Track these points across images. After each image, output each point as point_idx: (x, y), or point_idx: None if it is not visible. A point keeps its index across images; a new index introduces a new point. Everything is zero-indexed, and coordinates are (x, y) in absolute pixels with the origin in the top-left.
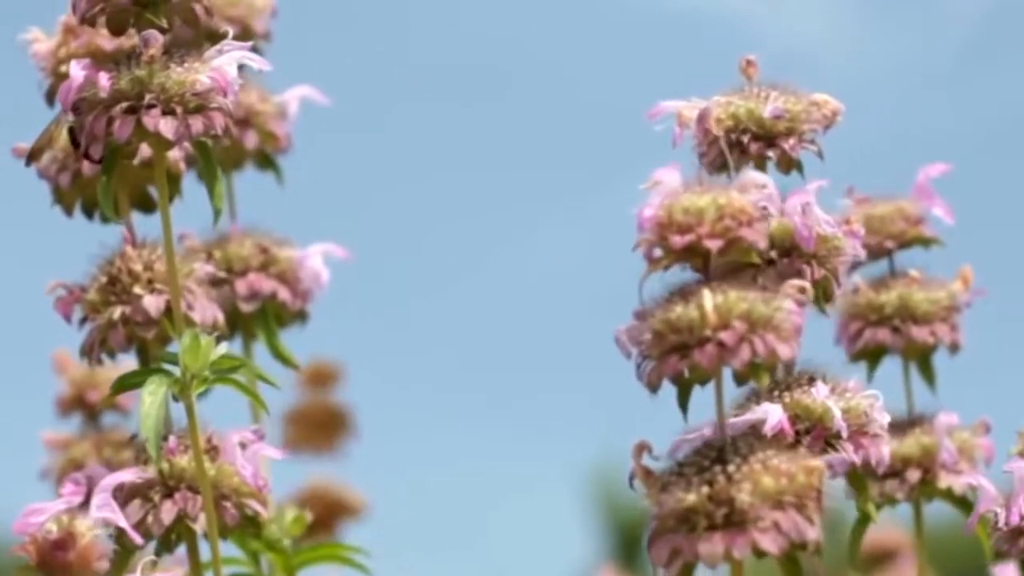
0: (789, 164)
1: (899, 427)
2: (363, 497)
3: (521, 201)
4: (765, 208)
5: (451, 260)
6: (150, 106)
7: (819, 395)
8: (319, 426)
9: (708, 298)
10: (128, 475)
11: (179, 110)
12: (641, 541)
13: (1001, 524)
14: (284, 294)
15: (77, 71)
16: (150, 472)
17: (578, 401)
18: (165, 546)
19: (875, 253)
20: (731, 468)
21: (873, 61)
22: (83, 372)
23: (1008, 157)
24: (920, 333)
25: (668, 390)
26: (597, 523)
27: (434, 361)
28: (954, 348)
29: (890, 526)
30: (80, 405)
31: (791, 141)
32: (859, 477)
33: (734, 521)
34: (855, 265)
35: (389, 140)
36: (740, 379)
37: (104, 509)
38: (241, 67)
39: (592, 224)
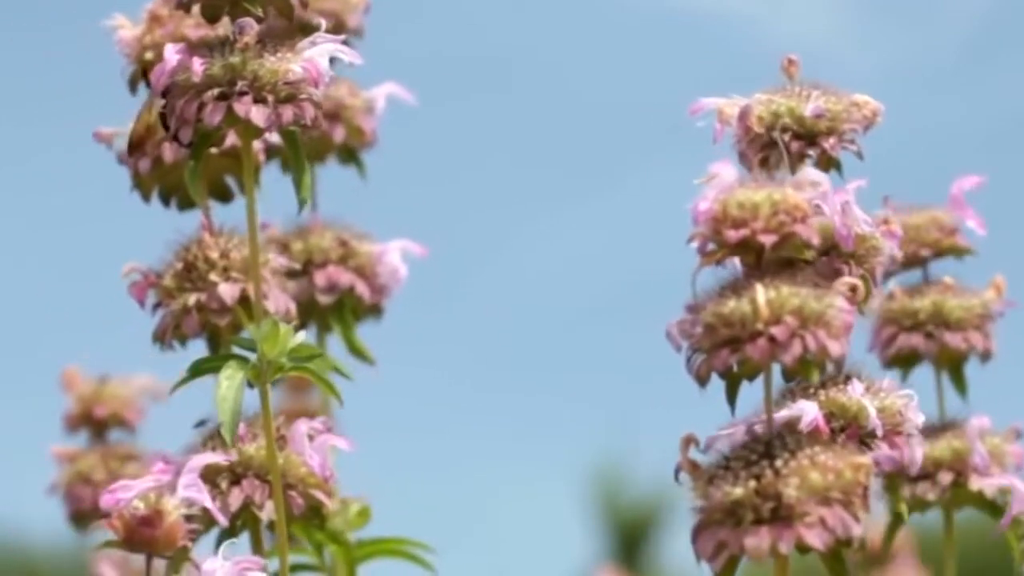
0: (828, 163)
1: (931, 431)
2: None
3: (519, 200)
4: (818, 206)
5: (452, 259)
6: (242, 93)
7: (854, 393)
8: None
9: (761, 293)
10: (216, 457)
11: (270, 98)
12: (641, 541)
13: None
14: (361, 288)
15: (171, 54)
16: (234, 455)
17: (579, 401)
18: (230, 533)
19: (910, 261)
20: (779, 463)
21: (874, 61)
22: (90, 389)
23: (1010, 157)
24: (953, 339)
25: (678, 390)
26: (597, 523)
27: (434, 361)
28: (986, 356)
29: None
30: (87, 421)
31: (831, 140)
32: (892, 477)
33: (781, 515)
34: (890, 271)
35: (388, 138)
36: (789, 375)
37: (191, 489)
38: (333, 60)
39: (593, 224)
